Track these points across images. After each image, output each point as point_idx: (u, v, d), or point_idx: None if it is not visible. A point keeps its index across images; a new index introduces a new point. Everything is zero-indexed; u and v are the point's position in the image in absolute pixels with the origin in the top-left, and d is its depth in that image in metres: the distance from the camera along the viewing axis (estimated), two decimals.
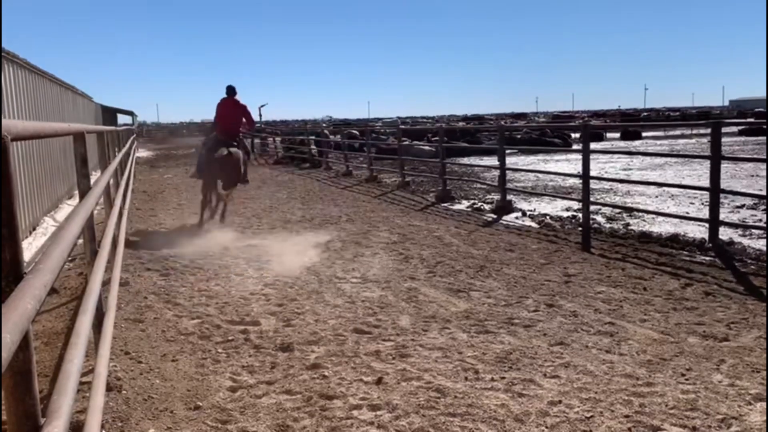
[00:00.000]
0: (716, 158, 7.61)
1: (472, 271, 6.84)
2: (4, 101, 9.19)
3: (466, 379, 4.00)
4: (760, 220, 9.51)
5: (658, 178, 15.50)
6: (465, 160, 20.95)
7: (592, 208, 9.75)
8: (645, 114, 73.98)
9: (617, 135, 39.71)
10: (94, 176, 6.59)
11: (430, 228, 9.62)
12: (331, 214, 11.30)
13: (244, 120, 10.55)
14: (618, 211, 10.52)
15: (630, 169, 18.24)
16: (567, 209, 11.09)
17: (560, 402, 3.64)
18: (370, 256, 7.69)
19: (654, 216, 9.82)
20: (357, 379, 4.03)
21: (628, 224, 9.48)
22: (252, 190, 15.58)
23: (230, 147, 9.99)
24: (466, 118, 79.22)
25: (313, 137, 25.43)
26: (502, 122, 37.04)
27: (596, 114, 73.60)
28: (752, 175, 14.94)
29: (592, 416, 3.46)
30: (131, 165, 15.07)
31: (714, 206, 7.64)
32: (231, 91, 10.57)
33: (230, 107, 10.50)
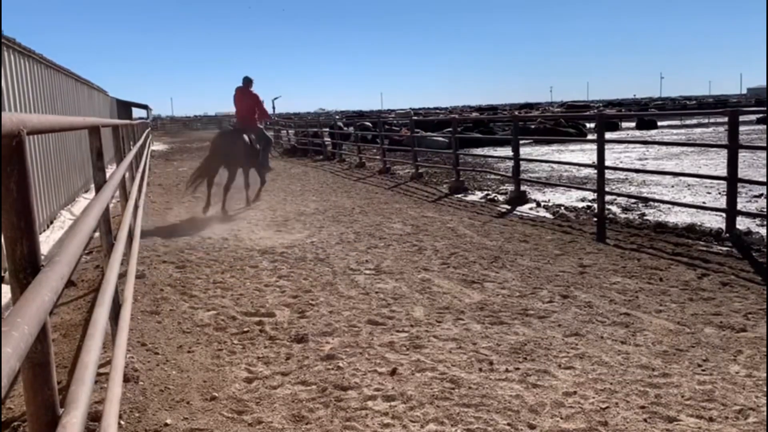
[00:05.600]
0: (733, 147, 7.51)
1: (486, 262, 6.82)
2: (20, 95, 9.28)
3: (480, 370, 4.00)
4: None
5: (674, 167, 15.31)
6: (478, 151, 20.84)
7: (607, 198, 9.67)
8: (660, 103, 73.04)
9: (633, 124, 39.28)
10: (110, 170, 6.65)
11: (444, 219, 9.60)
12: (345, 206, 11.32)
13: (257, 110, 11.23)
14: (633, 201, 10.42)
15: (645, 159, 18.03)
16: (582, 200, 11.01)
17: (575, 393, 3.63)
18: (384, 248, 7.70)
19: (670, 206, 9.72)
20: (371, 370, 4.04)
21: (643, 214, 9.39)
22: (267, 181, 15.59)
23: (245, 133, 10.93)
24: (479, 109, 78.73)
25: (327, 129, 25.46)
26: (516, 113, 36.77)
27: (611, 103, 72.85)
28: None
29: (607, 407, 3.44)
30: (146, 158, 15.16)
31: (731, 196, 7.55)
32: (245, 81, 11.52)
33: (239, 97, 11.43)
